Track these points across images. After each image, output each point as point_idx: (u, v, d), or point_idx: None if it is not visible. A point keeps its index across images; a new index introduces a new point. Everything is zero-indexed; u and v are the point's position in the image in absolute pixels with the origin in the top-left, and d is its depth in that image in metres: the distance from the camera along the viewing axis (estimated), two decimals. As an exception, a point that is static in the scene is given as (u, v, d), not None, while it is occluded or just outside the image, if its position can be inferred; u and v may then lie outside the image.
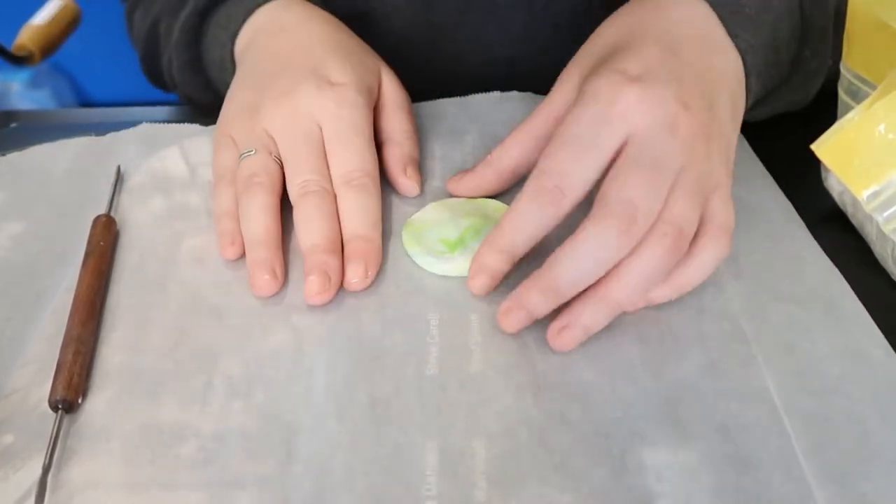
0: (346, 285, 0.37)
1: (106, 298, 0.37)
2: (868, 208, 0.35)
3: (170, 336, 0.35)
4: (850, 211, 0.41)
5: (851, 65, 0.40)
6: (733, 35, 0.38)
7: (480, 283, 0.35)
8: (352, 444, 0.30)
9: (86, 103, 1.69)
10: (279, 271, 0.37)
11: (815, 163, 0.39)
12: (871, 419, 0.31)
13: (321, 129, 0.40)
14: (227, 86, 0.45)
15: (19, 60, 0.58)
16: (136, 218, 0.42)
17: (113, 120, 0.50)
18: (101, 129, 0.49)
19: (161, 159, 0.46)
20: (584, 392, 0.32)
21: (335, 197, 0.39)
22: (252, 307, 0.37)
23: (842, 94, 0.42)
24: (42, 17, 0.61)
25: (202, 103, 0.52)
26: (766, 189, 0.43)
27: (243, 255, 0.38)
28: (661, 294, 0.34)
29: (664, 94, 0.33)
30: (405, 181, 0.42)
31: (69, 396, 0.31)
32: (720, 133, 0.35)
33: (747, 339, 0.34)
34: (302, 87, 0.40)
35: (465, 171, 0.42)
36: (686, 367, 0.33)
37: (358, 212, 0.38)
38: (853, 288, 0.37)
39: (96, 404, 0.32)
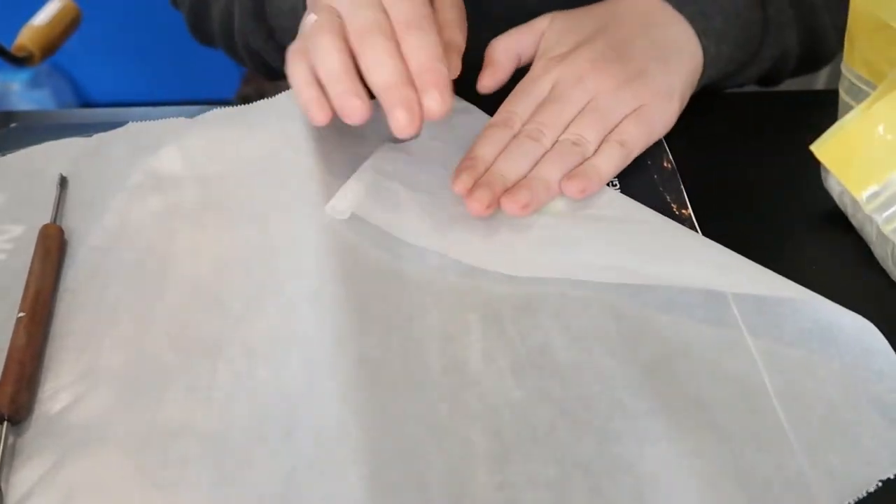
0: (425, 115, 0.38)
1: (56, 305, 0.37)
2: (868, 209, 0.35)
3: (171, 330, 0.35)
4: (850, 211, 0.41)
5: (852, 65, 0.40)
6: (679, 7, 0.46)
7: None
8: (342, 397, 0.31)
9: (86, 103, 1.69)
10: (364, 96, 0.38)
11: (815, 163, 0.39)
12: (836, 399, 0.32)
13: None
14: (293, 33, 0.46)
15: (19, 61, 0.58)
16: (135, 217, 0.42)
17: (113, 120, 0.50)
18: (100, 129, 0.49)
19: (159, 158, 0.46)
20: (565, 369, 0.33)
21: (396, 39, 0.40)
22: (249, 290, 0.37)
23: (842, 95, 0.42)
24: (42, 17, 0.61)
25: (260, 59, 0.54)
26: None
27: (332, 116, 0.39)
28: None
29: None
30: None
31: (10, 409, 0.31)
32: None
33: (720, 322, 0.35)
34: None
35: (487, 68, 0.46)
36: (663, 343, 0.34)
37: (422, 48, 0.39)
38: (853, 289, 0.37)
39: (99, 402, 0.32)
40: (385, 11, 0.40)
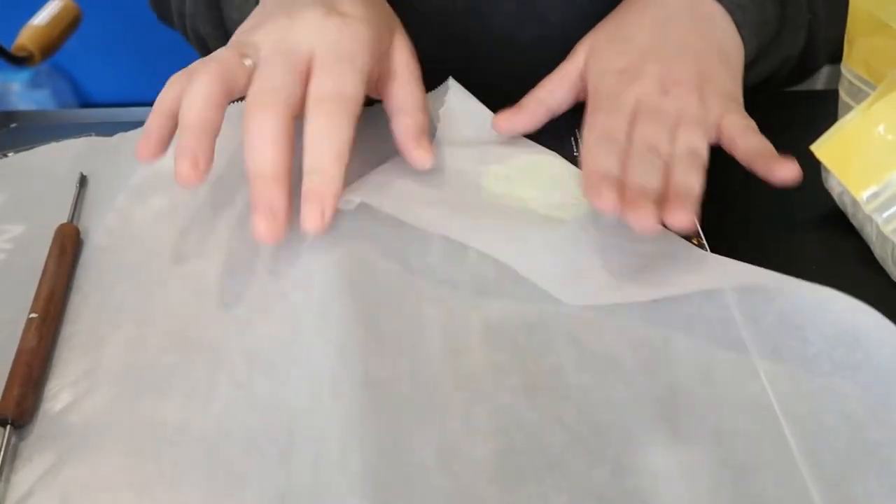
0: (302, 228, 0.35)
1: (67, 307, 0.37)
2: (868, 209, 0.35)
3: (173, 332, 0.35)
4: (850, 211, 0.41)
5: (851, 65, 0.40)
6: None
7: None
8: (346, 421, 0.30)
9: (86, 103, 1.69)
10: (202, 160, 0.35)
11: (815, 163, 0.39)
12: (863, 416, 0.31)
13: (312, 55, 0.38)
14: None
15: (19, 61, 0.58)
16: (139, 216, 0.42)
17: (113, 120, 0.50)
18: (101, 129, 0.49)
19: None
20: (578, 394, 0.32)
21: (297, 120, 0.37)
22: (252, 293, 0.37)
23: (842, 95, 0.42)
24: (42, 17, 0.61)
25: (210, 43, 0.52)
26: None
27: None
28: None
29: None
30: (419, 153, 0.40)
31: (15, 413, 0.31)
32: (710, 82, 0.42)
33: (738, 344, 0.34)
34: (308, 12, 0.39)
35: (512, 109, 0.44)
36: (678, 373, 0.33)
37: (322, 140, 0.36)
38: (853, 289, 0.37)
39: (99, 403, 0.32)
40: (301, 79, 0.37)
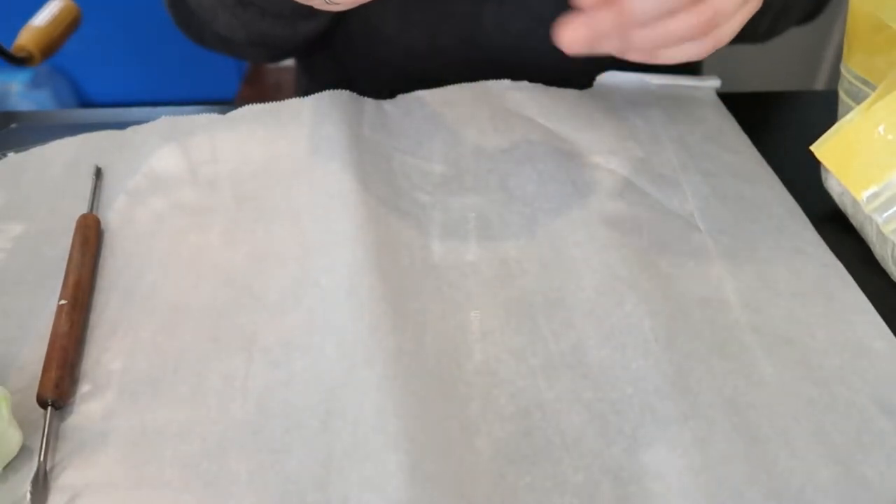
0: None
1: (93, 295, 0.37)
2: (868, 209, 0.35)
3: (207, 319, 0.36)
4: (850, 212, 0.41)
5: (851, 65, 0.40)
6: None
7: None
8: (379, 389, 0.31)
9: (86, 104, 1.69)
10: None
11: (815, 163, 0.39)
12: (870, 409, 0.31)
13: None
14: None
15: (19, 61, 0.58)
16: (140, 217, 0.42)
17: (113, 120, 0.50)
18: (100, 129, 0.49)
19: (160, 158, 0.46)
20: (597, 370, 0.33)
21: None
22: (284, 283, 0.37)
23: (842, 95, 0.42)
24: (42, 18, 0.61)
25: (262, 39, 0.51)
26: (770, 186, 0.43)
27: None
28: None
29: None
30: None
31: (55, 394, 0.32)
32: None
33: (749, 330, 0.35)
34: None
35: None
36: (696, 344, 0.34)
37: None
38: (853, 288, 0.37)
39: (137, 386, 0.33)
40: None
